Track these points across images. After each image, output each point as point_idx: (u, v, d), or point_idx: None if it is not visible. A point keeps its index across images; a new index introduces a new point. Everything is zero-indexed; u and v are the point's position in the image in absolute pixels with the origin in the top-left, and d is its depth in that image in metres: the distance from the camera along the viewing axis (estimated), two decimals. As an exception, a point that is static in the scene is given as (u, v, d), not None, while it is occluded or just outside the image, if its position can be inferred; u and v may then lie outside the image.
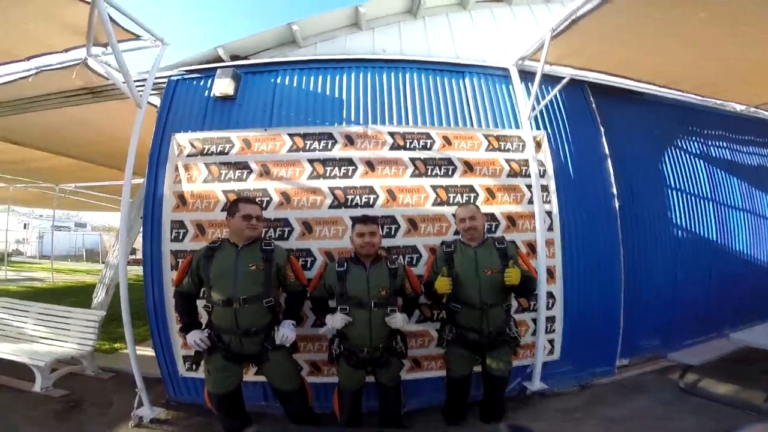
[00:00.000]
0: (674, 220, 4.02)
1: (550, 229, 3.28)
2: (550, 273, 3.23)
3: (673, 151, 4.23)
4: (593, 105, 3.80)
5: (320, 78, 3.46)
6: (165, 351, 3.07)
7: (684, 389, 3.15)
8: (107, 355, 4.12)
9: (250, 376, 2.78)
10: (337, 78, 3.45)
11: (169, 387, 3.09)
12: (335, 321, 2.39)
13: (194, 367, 2.95)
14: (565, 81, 3.41)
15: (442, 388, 2.81)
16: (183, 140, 3.20)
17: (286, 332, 2.35)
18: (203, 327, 2.47)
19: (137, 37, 3.07)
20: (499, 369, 2.58)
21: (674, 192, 4.08)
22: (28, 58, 3.19)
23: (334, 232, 3.01)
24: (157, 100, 3.61)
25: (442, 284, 2.43)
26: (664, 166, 4.12)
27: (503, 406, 2.74)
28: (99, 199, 9.83)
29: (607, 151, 3.67)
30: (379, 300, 2.41)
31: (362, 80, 3.46)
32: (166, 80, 3.46)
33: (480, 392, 2.76)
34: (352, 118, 3.30)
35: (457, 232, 2.94)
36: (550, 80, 3.46)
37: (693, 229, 4.12)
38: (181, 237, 3.04)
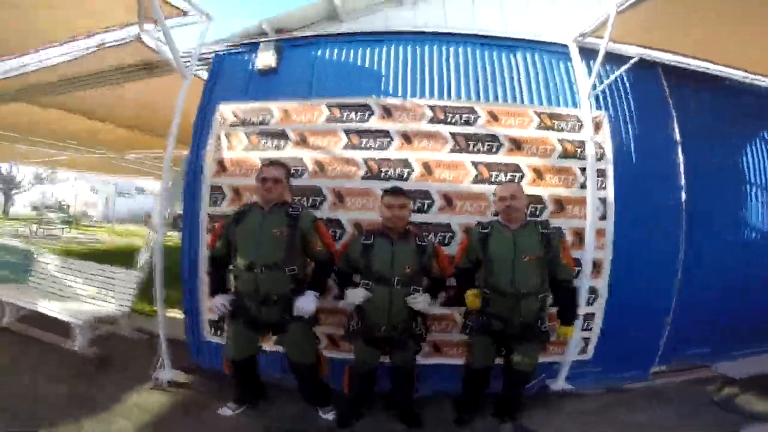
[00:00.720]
0: (747, 221, 3.48)
1: (603, 217, 2.94)
2: (596, 266, 2.91)
3: (756, 145, 3.64)
4: (665, 88, 3.36)
5: (360, 51, 3.36)
6: (193, 313, 3.12)
7: (717, 403, 2.79)
8: (147, 317, 4.12)
9: (270, 345, 2.70)
10: (377, 51, 3.33)
11: (192, 350, 3.15)
12: (355, 296, 2.29)
13: (217, 331, 2.98)
14: (633, 60, 3.05)
15: (459, 376, 2.63)
16: (226, 110, 3.23)
17: (303, 305, 2.27)
18: (230, 291, 2.47)
19: (184, 13, 3.12)
20: (523, 364, 2.36)
21: (752, 189, 3.53)
22: (89, 36, 3.31)
23: (364, 203, 2.91)
24: (206, 74, 3.69)
25: (472, 300, 2.33)
26: (742, 160, 3.57)
27: (520, 402, 2.54)
28: (157, 167, 10.48)
29: (678, 139, 3.23)
30: (403, 278, 2.27)
31: (402, 53, 3.31)
32: (210, 55, 3.54)
33: (497, 385, 2.56)
34: (391, 91, 3.17)
35: (497, 213, 2.71)
36: (615, 59, 3.10)
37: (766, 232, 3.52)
38: (219, 201, 3.08)
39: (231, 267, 2.48)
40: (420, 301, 2.27)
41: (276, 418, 2.53)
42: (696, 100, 3.42)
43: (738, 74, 3.44)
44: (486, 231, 2.41)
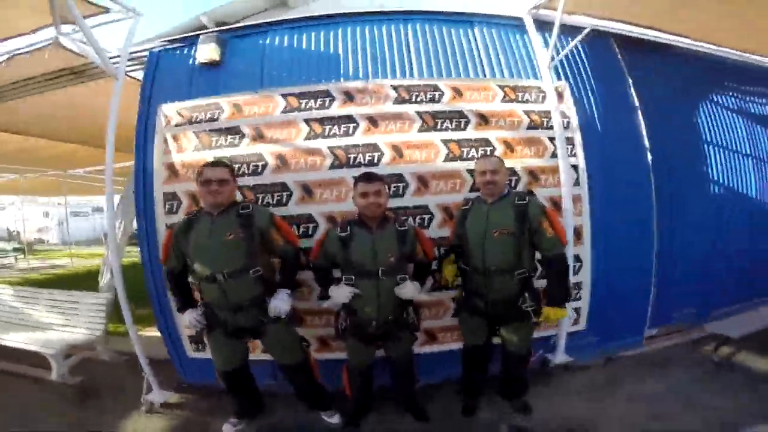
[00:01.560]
0: (712, 176, 3.60)
1: (577, 183, 2.92)
2: (577, 233, 2.89)
3: (709, 106, 3.78)
4: (618, 56, 3.41)
5: (313, 35, 3.16)
6: (171, 332, 2.89)
7: (718, 363, 2.82)
8: (122, 338, 3.79)
9: (257, 354, 2.53)
10: (332, 34, 3.16)
11: (178, 369, 2.95)
12: (340, 294, 2.13)
13: (198, 346, 2.76)
14: (586, 31, 3.07)
15: (454, 362, 2.54)
16: (170, 111, 2.94)
17: (277, 304, 2.12)
18: (198, 304, 2.26)
19: (106, 10, 2.85)
20: (513, 344, 2.28)
21: (711, 147, 3.65)
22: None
23: (336, 194, 2.71)
24: (141, 75, 3.36)
25: (448, 270, 2.30)
26: (699, 120, 3.69)
27: (524, 382, 2.46)
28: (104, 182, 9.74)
29: (636, 104, 3.29)
30: (387, 267, 2.10)
31: (359, 35, 3.15)
32: (144, 54, 3.23)
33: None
34: (351, 74, 3.00)
35: (476, 189, 2.58)
36: (570, 31, 3.12)
37: (733, 186, 3.69)
38: (174, 209, 2.79)
39: (191, 279, 2.26)
40: (409, 289, 2.12)
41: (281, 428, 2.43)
42: (648, 66, 3.49)
43: (685, 41, 3.55)
44: (466, 207, 2.31)
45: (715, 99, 3.83)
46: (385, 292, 2.10)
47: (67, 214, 13.13)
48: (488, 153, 2.78)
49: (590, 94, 3.19)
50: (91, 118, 4.79)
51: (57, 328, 3.51)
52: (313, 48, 3.11)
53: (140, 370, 2.73)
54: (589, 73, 3.26)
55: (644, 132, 3.20)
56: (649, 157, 3.16)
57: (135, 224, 4.53)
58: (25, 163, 7.15)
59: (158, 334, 3.01)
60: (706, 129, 3.65)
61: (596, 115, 3.14)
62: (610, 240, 2.97)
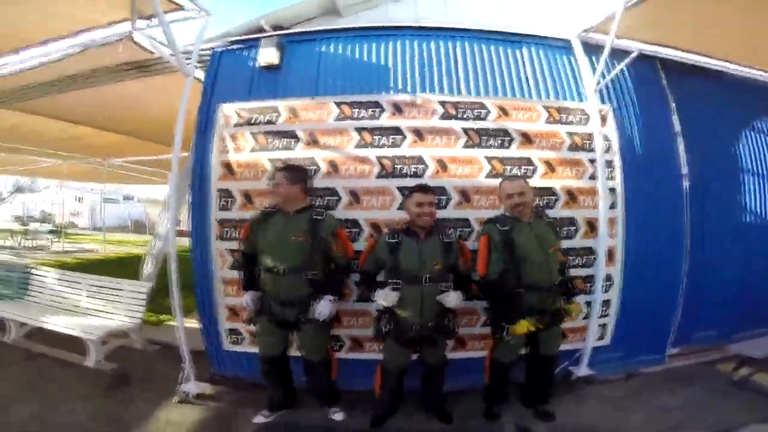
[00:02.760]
0: (748, 206, 3.53)
1: (613, 207, 2.93)
2: (610, 254, 2.92)
3: (749, 133, 3.69)
4: (664, 81, 3.36)
5: (365, 46, 3.22)
6: (210, 324, 2.97)
7: (736, 382, 2.85)
8: (154, 328, 3.98)
9: (295, 351, 2.62)
10: (383, 46, 3.20)
11: (213, 361, 3.00)
12: (388, 298, 2.19)
13: (237, 340, 2.86)
14: (633, 55, 3.08)
15: (481, 370, 2.57)
16: (229, 111, 3.05)
17: (321, 309, 2.25)
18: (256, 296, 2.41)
19: (181, 8, 2.89)
20: (551, 349, 2.40)
21: (748, 175, 3.57)
22: (74, 34, 3.08)
23: (381, 202, 2.81)
24: (200, 74, 3.46)
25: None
26: (740, 149, 3.61)
27: (550, 388, 2.52)
28: (144, 172, 10.07)
29: (678, 130, 3.25)
30: (433, 275, 2.19)
31: (408, 49, 3.19)
32: (209, 52, 3.32)
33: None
34: (400, 87, 3.06)
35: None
36: (616, 54, 3.07)
37: (766, 215, 3.59)
38: (228, 206, 2.92)
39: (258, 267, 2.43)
40: (452, 298, 2.21)
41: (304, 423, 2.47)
42: (693, 91, 3.43)
43: (732, 67, 3.47)
44: (506, 228, 2.27)
45: (757, 126, 3.73)
46: (429, 298, 2.19)
47: (101, 202, 13.45)
48: (530, 172, 2.84)
49: (632, 118, 3.17)
50: (138, 112, 4.99)
51: (98, 314, 3.53)
52: (365, 58, 3.17)
53: (171, 359, 2.81)
54: (633, 96, 3.23)
55: (683, 158, 3.17)
56: (686, 183, 3.13)
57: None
58: (71, 150, 7.41)
59: (189, 324, 3.01)
60: (745, 156, 3.58)
61: (637, 139, 3.13)
62: (641, 261, 2.99)
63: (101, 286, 3.66)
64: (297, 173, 2.41)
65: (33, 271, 4.08)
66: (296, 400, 2.57)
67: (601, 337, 2.97)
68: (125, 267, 6.32)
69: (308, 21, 3.79)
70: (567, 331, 2.56)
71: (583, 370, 2.89)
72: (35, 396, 2.62)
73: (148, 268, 3.99)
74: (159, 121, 5.17)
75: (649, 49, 3.24)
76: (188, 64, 2.85)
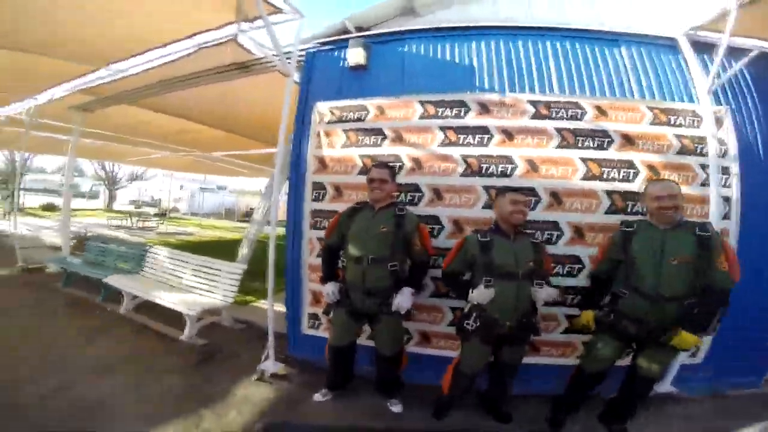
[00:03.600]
0: None
1: (726, 217, 2.58)
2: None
3: None
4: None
5: (447, 46, 3.17)
6: (294, 307, 3.12)
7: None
8: (240, 307, 4.22)
9: (363, 340, 2.69)
10: (465, 46, 3.13)
11: (290, 342, 3.15)
12: (483, 295, 2.15)
13: (314, 323, 2.95)
14: (753, 54, 2.72)
15: (550, 377, 2.48)
16: (323, 108, 3.19)
17: (402, 301, 2.31)
18: (339, 281, 2.51)
19: (280, 11, 3.00)
20: (651, 371, 2.09)
21: None
22: (190, 36, 3.31)
23: (465, 200, 2.74)
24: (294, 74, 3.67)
25: (587, 318, 2.21)
26: None
27: (636, 409, 2.24)
28: (237, 165, 10.97)
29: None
30: (526, 271, 2.17)
31: (494, 48, 3.09)
32: (303, 53, 3.47)
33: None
34: (486, 86, 2.97)
35: (611, 211, 2.46)
36: (731, 53, 2.72)
37: None
38: (321, 197, 3.06)
39: (341, 258, 2.53)
40: (545, 292, 2.16)
41: (359, 408, 2.50)
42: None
43: None
44: (630, 230, 2.15)
45: None
46: (523, 295, 2.15)
47: (200, 190, 14.92)
48: (630, 176, 2.60)
49: (753, 121, 2.76)
50: (236, 109, 5.34)
51: (198, 291, 3.73)
52: (448, 58, 3.13)
53: (254, 338, 2.92)
54: (755, 97, 2.82)
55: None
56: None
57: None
58: (177, 143, 8.25)
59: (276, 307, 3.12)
60: None
61: (759, 145, 2.71)
62: (751, 278, 2.51)
63: (203, 266, 3.91)
64: (394, 171, 2.51)
65: (149, 249, 4.53)
66: (352, 381, 2.64)
67: (693, 355, 2.64)
68: (218, 249, 6.89)
69: (387, 22, 3.85)
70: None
71: (665, 387, 2.60)
72: (132, 365, 2.84)
73: (243, 250, 4.24)
74: (254, 119, 5.63)
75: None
76: (289, 64, 2.99)
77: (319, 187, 3.06)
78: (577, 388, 2.32)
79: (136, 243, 5.03)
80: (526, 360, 2.61)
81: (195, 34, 3.30)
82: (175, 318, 3.47)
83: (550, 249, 2.49)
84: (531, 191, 2.64)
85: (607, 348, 2.16)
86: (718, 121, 2.67)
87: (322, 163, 3.08)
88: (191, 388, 2.58)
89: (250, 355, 2.98)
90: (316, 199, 3.05)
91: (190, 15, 3.05)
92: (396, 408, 2.48)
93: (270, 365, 2.82)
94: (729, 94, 2.81)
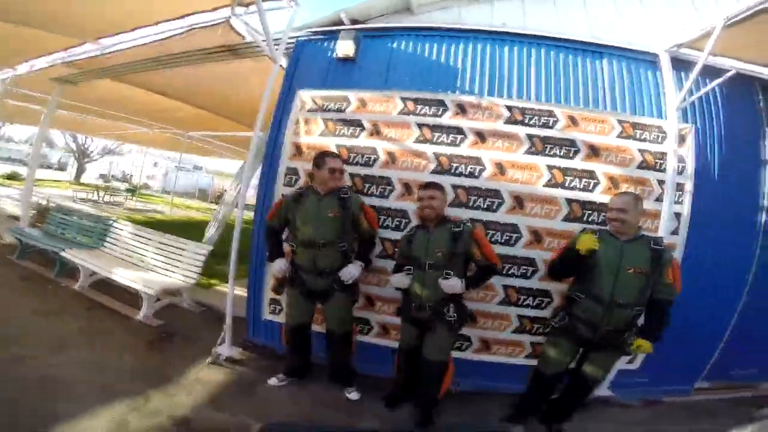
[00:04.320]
0: None
1: (675, 232, 2.83)
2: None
3: None
4: (760, 104, 3.14)
5: (435, 46, 3.33)
6: (256, 291, 3.24)
7: (753, 418, 2.59)
8: (202, 290, 4.27)
9: (317, 326, 2.85)
10: (453, 47, 3.29)
11: (249, 327, 3.26)
12: (398, 281, 2.51)
13: (278, 291, 2.94)
14: (729, 75, 2.92)
15: (505, 375, 2.66)
16: (306, 96, 3.32)
17: (351, 270, 2.56)
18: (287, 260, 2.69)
19: None
20: (595, 373, 2.32)
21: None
22: (183, 16, 3.42)
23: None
24: (282, 60, 3.79)
25: (587, 240, 2.23)
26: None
27: (573, 410, 2.47)
28: (215, 146, 10.99)
29: (766, 158, 3.03)
30: (435, 261, 2.38)
31: (480, 52, 3.26)
32: (293, 41, 3.60)
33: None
34: (466, 88, 3.15)
35: (569, 219, 2.71)
36: (707, 72, 2.93)
37: None
38: (292, 182, 3.19)
39: (288, 243, 2.75)
40: (451, 283, 2.31)
41: (316, 396, 2.64)
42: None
43: None
44: (595, 236, 2.31)
45: None
46: (429, 282, 2.37)
47: (175, 168, 14.95)
48: (591, 186, 2.82)
49: (716, 141, 3.02)
50: (222, 91, 5.43)
51: (159, 270, 3.76)
52: (434, 57, 3.28)
53: (214, 322, 3.01)
54: (721, 118, 3.07)
55: (765, 190, 2.97)
56: (764, 217, 2.93)
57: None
58: (158, 120, 8.29)
59: (237, 292, 3.18)
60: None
61: (716, 164, 2.97)
62: (693, 294, 2.76)
63: (166, 244, 3.94)
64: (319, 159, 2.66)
65: (114, 223, 4.52)
66: (311, 370, 2.80)
67: (631, 361, 2.89)
68: (186, 229, 6.86)
69: (383, 17, 3.97)
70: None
71: (603, 391, 2.82)
72: (84, 343, 2.88)
73: (211, 231, 4.35)
74: (239, 101, 5.69)
75: (748, 68, 3.05)
76: (276, 50, 3.14)
77: (292, 172, 3.20)
78: (537, 390, 2.51)
79: (99, 216, 4.96)
80: (480, 357, 2.87)
81: (188, 15, 3.38)
82: (134, 297, 3.52)
83: (508, 251, 2.70)
84: (495, 193, 2.84)
85: (562, 351, 2.36)
86: (681, 139, 2.91)
87: (299, 150, 3.22)
88: (142, 368, 2.67)
89: (207, 339, 3.08)
90: (288, 184, 3.18)
91: None
92: (353, 395, 2.65)
93: (226, 349, 2.93)
94: (697, 112, 3.05)
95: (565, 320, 2.36)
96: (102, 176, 25.03)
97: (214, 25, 3.47)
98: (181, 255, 3.81)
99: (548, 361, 2.42)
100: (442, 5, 3.90)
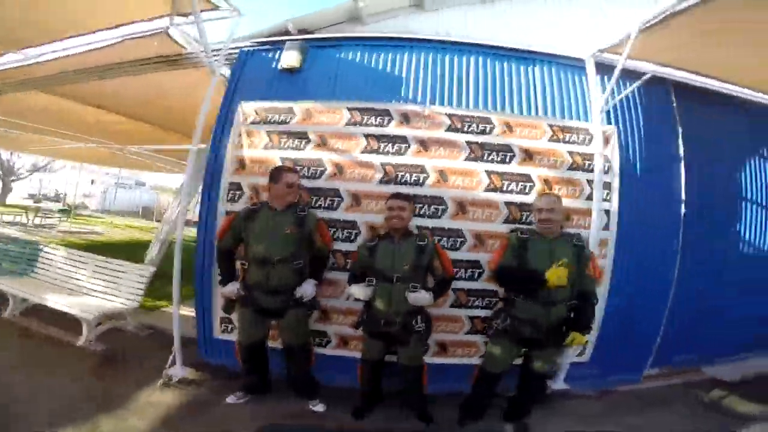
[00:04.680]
0: (743, 235, 3.70)
1: (606, 228, 3.11)
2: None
3: (758, 162, 3.83)
4: (674, 105, 3.53)
5: (382, 55, 3.46)
6: (205, 311, 3.21)
7: (706, 404, 3.02)
8: (148, 312, 4.20)
9: (278, 342, 2.86)
10: (398, 56, 3.44)
11: (201, 347, 3.24)
12: (358, 290, 2.52)
13: (228, 329, 3.02)
14: (646, 77, 3.25)
15: (466, 376, 2.75)
16: (248, 109, 3.32)
17: (306, 288, 2.56)
18: (238, 281, 2.67)
19: (216, 7, 3.14)
20: (543, 369, 2.52)
21: (749, 205, 3.74)
22: (117, 26, 3.34)
23: (380, 206, 3.01)
24: (225, 71, 3.75)
25: (557, 274, 2.29)
26: (743, 176, 3.77)
27: (532, 405, 2.65)
28: (159, 161, 10.51)
29: (681, 154, 3.41)
30: (403, 274, 2.44)
31: (423, 60, 3.43)
32: (236, 51, 3.59)
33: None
34: (410, 97, 3.30)
35: (508, 221, 2.90)
36: (628, 75, 3.26)
37: (762, 246, 3.76)
38: (236, 198, 3.18)
39: (240, 261, 2.71)
40: (420, 296, 2.41)
41: (278, 411, 2.65)
42: (702, 116, 3.58)
43: (747, 92, 3.60)
44: (525, 237, 2.51)
45: (763, 153, 3.86)
46: (398, 296, 2.42)
47: (114, 185, 14.08)
48: (527, 188, 3.04)
49: (637, 141, 3.34)
50: (163, 102, 5.28)
51: (98, 294, 3.66)
52: (380, 67, 3.42)
53: (162, 344, 2.99)
54: (641, 119, 3.41)
55: (682, 183, 3.33)
56: (683, 209, 3.29)
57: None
58: (94, 134, 7.80)
59: (184, 312, 3.16)
60: (747, 185, 3.73)
61: (638, 163, 3.29)
62: (628, 284, 3.14)
63: (105, 268, 3.83)
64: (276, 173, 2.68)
65: (43, 248, 4.29)
66: (271, 388, 2.80)
67: (580, 354, 3.13)
68: (128, 251, 6.53)
69: (333, 26, 4.03)
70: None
71: (559, 384, 3.05)
72: (21, 372, 2.77)
73: (153, 252, 4.22)
74: (182, 113, 5.53)
75: (663, 71, 3.40)
76: (216, 61, 3.11)
77: (235, 187, 3.19)
78: (481, 388, 2.65)
79: (27, 241, 4.65)
80: (439, 360, 2.98)
81: (124, 24, 3.30)
82: (74, 323, 3.38)
83: (455, 255, 2.87)
84: (439, 200, 3.00)
85: (506, 351, 2.52)
86: (606, 140, 3.21)
87: (242, 164, 3.22)
88: (89, 394, 2.61)
89: (156, 361, 3.02)
90: (231, 200, 3.16)
91: (123, 4, 3.07)
92: (318, 408, 2.68)
93: (178, 370, 2.91)
94: (619, 114, 3.36)
95: (507, 321, 2.49)
96: (32, 196, 23.11)
97: (152, 35, 3.39)
98: (121, 278, 3.72)
99: (493, 360, 2.56)
100: (391, 15, 4.04)
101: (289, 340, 2.66)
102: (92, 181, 23.52)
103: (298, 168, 3.02)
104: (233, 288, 2.61)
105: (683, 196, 3.32)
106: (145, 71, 4.13)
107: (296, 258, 2.56)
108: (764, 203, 3.73)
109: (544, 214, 2.46)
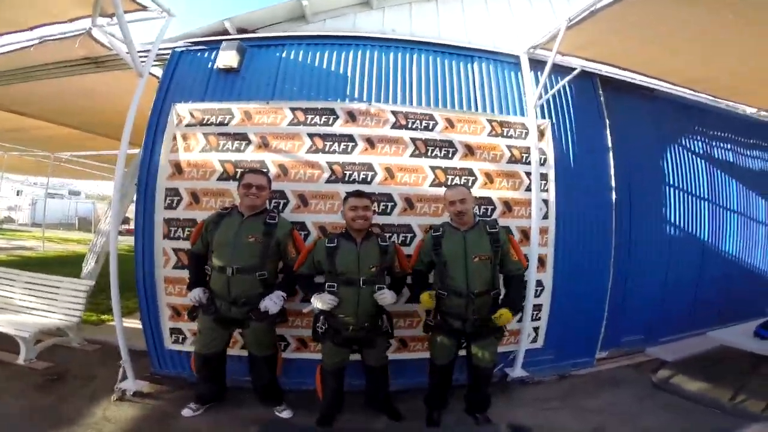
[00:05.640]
0: (669, 218, 4.15)
1: (546, 217, 3.36)
2: (541, 261, 3.32)
3: (677, 150, 4.32)
4: (601, 98, 3.86)
5: (326, 54, 3.49)
6: (152, 322, 3.14)
7: (656, 384, 3.30)
8: (94, 327, 4.15)
9: (236, 349, 2.88)
10: (343, 55, 3.49)
11: (153, 359, 3.17)
12: (322, 302, 2.40)
13: (192, 317, 2.82)
14: (575, 72, 3.50)
15: (424, 370, 2.85)
16: (183, 110, 3.23)
17: (268, 304, 2.45)
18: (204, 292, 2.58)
19: (144, 8, 3.07)
20: (483, 360, 2.55)
21: (673, 190, 4.20)
22: (32, 28, 3.23)
23: (329, 206, 3.07)
24: (159, 72, 3.65)
25: (427, 301, 2.49)
26: (665, 163, 4.21)
27: (488, 397, 2.72)
28: (94, 167, 9.89)
29: (609, 144, 3.75)
30: (369, 277, 2.44)
31: (368, 58, 3.50)
32: (169, 51, 3.49)
33: (464, 375, 2.80)
34: (356, 95, 3.35)
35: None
36: (560, 70, 3.51)
37: (687, 228, 4.25)
38: (174, 205, 3.10)
39: (207, 266, 2.62)
40: (387, 296, 2.43)
41: (242, 419, 2.66)
42: (627, 108, 3.97)
43: (665, 86, 4.04)
44: (438, 234, 2.58)
45: (683, 143, 4.35)
46: (365, 299, 2.41)
47: (44, 196, 13.04)
48: (470, 182, 3.21)
49: (569, 133, 3.62)
50: (92, 105, 5.08)
51: (32, 311, 3.61)
52: (324, 66, 3.44)
53: (111, 358, 2.94)
54: (572, 112, 3.69)
55: (612, 172, 3.67)
56: (613, 196, 3.63)
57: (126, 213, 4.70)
58: (14, 141, 7.30)
59: (132, 324, 3.21)
60: (670, 171, 4.18)
61: (571, 154, 3.58)
62: (570, 269, 3.42)
63: (38, 284, 3.74)
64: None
65: None
66: (225, 395, 2.78)
67: (534, 340, 3.37)
68: (65, 266, 6.30)
69: (274, 25, 4.00)
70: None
71: (517, 372, 3.25)
72: None
73: (89, 265, 4.03)
74: (112, 116, 5.25)
75: (590, 66, 3.70)
76: (144, 63, 3.00)
77: (173, 193, 3.10)
78: (435, 382, 2.74)
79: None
80: (400, 356, 3.09)
81: (40, 26, 3.18)
82: (10, 343, 3.25)
83: (405, 250, 2.95)
84: (388, 197, 3.11)
85: (444, 344, 2.60)
86: (541, 133, 3.45)
87: (178, 168, 3.13)
88: (38, 412, 2.56)
89: (106, 376, 2.97)
90: (169, 207, 3.08)
91: (38, 5, 2.97)
92: (285, 414, 2.67)
93: (131, 384, 2.84)
94: (552, 108, 3.62)
95: (437, 317, 2.59)
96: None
97: (73, 36, 3.28)
98: (56, 293, 3.66)
99: (436, 353, 2.64)
100: (337, 13, 4.07)
101: (253, 350, 2.61)
102: (18, 192, 21.39)
103: (236, 170, 3.01)
104: (196, 294, 2.52)
105: (613, 183, 3.66)
106: (70, 73, 4.01)
107: (258, 268, 2.47)
108: (684, 187, 4.21)
109: (457, 206, 2.51)
